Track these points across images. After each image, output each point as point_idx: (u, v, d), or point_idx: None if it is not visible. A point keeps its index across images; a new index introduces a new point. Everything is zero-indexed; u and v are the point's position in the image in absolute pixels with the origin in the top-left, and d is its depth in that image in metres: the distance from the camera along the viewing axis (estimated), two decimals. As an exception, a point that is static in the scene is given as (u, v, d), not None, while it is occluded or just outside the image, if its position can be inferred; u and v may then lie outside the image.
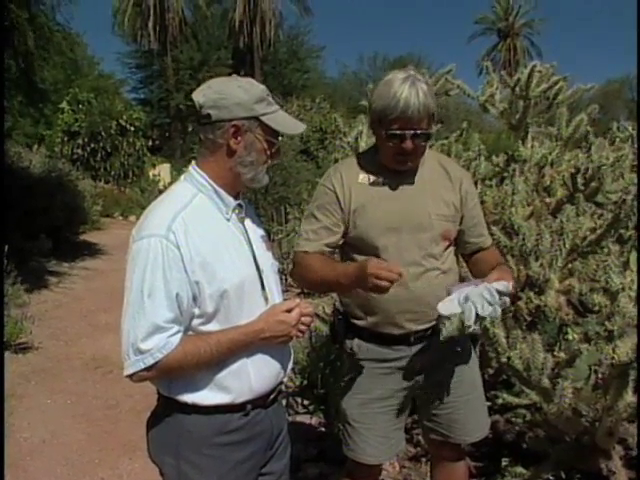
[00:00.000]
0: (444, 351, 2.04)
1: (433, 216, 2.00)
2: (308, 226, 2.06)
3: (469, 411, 2.14)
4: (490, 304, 1.76)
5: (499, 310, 1.78)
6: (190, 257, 1.53)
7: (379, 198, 1.99)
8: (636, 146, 3.65)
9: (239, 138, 1.61)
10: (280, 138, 1.68)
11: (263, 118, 1.62)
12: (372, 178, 2.02)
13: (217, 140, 1.61)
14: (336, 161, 3.37)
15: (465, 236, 2.11)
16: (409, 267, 1.95)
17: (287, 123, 1.68)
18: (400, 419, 2.14)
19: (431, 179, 2.04)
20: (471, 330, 1.81)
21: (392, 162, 1.98)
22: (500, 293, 1.78)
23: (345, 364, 2.14)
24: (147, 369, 1.51)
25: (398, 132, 1.88)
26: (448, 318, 1.83)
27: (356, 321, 2.07)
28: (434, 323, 2.03)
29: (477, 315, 1.75)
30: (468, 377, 2.14)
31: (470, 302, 1.76)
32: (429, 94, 1.88)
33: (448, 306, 1.81)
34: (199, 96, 1.61)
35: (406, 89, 1.84)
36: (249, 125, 1.61)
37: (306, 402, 3.40)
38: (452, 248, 2.10)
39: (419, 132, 1.89)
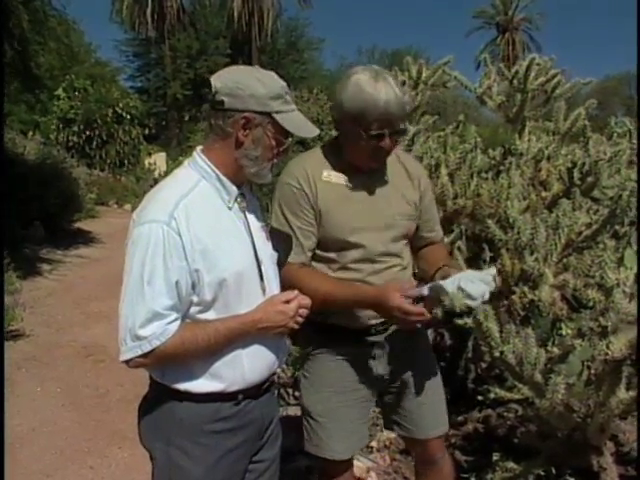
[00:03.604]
0: (403, 344, 2.03)
1: (397, 216, 1.98)
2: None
3: (431, 406, 2.11)
4: (486, 284, 1.79)
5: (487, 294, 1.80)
6: (191, 245, 1.52)
7: (344, 198, 1.94)
8: (635, 142, 3.63)
9: (248, 131, 1.59)
10: (290, 139, 1.65)
11: (276, 116, 1.59)
12: (335, 176, 1.95)
13: (226, 129, 1.59)
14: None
15: (418, 230, 2.10)
16: (372, 264, 1.95)
17: (300, 125, 1.65)
18: (364, 413, 2.10)
19: (393, 178, 2.01)
20: (477, 304, 1.81)
21: (367, 161, 1.92)
22: (493, 278, 1.82)
23: (306, 360, 2.08)
24: (144, 356, 1.50)
25: (379, 132, 1.84)
26: (447, 294, 1.77)
27: (315, 316, 1.92)
28: None
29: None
30: (428, 372, 2.12)
31: (468, 283, 1.77)
32: (401, 87, 1.86)
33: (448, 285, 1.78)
34: (217, 80, 1.59)
35: (382, 89, 1.80)
36: (260, 120, 1.58)
37: (297, 394, 3.39)
38: (408, 243, 2.09)
39: (398, 130, 1.88)
